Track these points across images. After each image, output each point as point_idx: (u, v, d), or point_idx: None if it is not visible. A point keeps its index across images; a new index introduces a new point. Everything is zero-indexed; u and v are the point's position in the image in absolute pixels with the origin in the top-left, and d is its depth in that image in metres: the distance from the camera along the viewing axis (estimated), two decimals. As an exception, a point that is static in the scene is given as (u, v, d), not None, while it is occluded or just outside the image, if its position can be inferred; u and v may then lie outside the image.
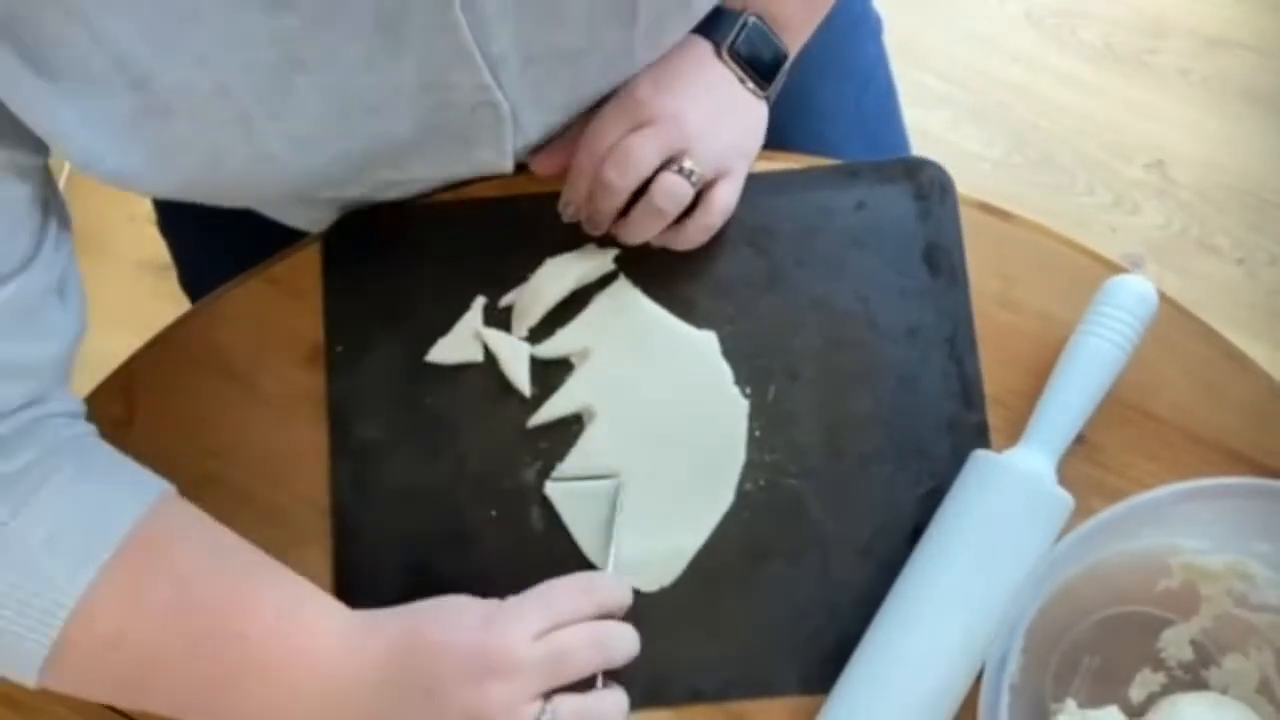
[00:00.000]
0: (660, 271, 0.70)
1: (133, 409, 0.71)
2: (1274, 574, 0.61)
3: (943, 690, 0.61)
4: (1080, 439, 0.66)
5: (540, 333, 0.70)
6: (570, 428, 0.68)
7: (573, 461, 0.68)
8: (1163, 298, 0.67)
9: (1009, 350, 0.68)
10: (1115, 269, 0.69)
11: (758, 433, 0.68)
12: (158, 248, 0.91)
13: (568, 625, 0.59)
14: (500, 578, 0.65)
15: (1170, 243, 1.48)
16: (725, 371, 0.68)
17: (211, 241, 0.82)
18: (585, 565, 0.67)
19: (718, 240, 0.70)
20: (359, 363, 0.70)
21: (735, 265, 0.70)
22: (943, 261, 0.70)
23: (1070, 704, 0.61)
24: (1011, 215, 0.71)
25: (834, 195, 0.71)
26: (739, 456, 0.67)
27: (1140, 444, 0.66)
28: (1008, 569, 0.62)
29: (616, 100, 0.66)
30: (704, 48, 0.68)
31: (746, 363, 0.69)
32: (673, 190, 0.65)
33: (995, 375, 0.68)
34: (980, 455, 0.65)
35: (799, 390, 0.68)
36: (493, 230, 0.71)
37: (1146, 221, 1.49)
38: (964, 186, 0.71)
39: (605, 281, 0.70)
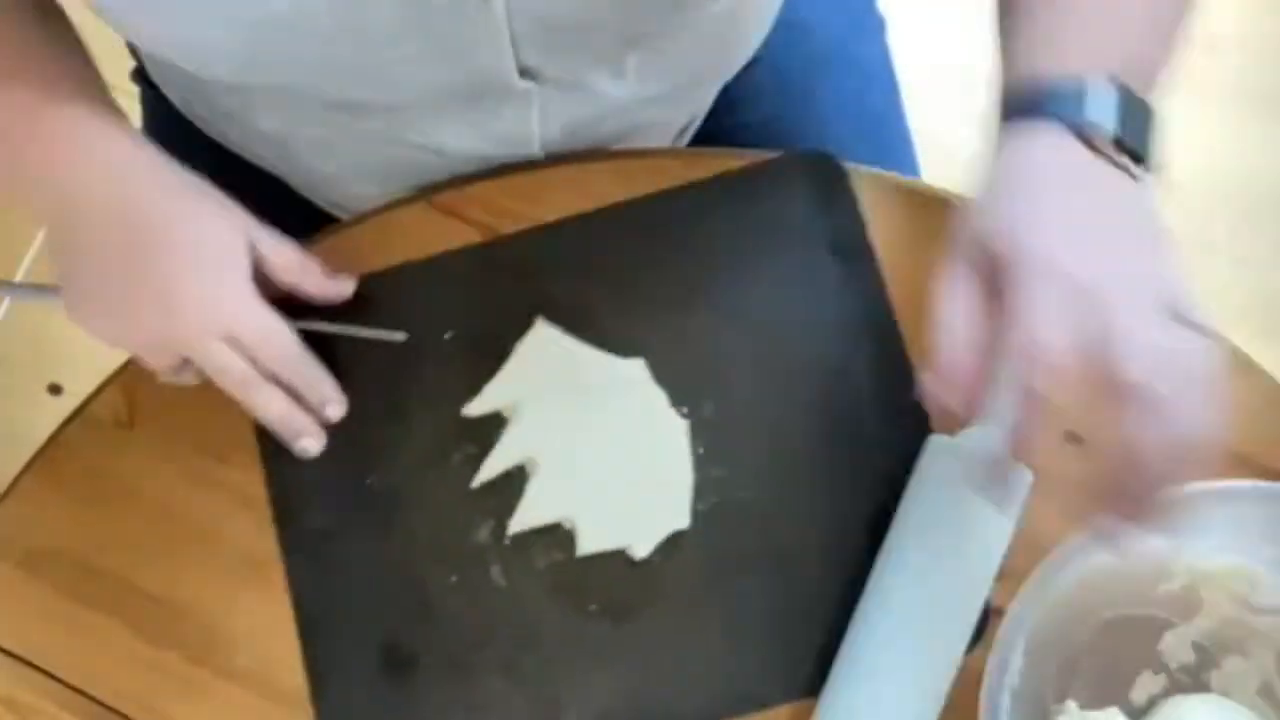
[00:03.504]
0: (576, 307, 0.69)
1: (133, 409, 0.71)
2: (1276, 576, 0.61)
3: (934, 676, 0.62)
4: (1080, 439, 0.66)
5: (465, 392, 0.69)
6: (515, 481, 0.67)
7: (523, 514, 0.67)
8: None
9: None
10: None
11: (702, 450, 0.67)
12: (158, 248, 0.91)
13: (251, 358, 0.61)
14: (472, 640, 0.65)
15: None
16: (659, 395, 0.68)
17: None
18: (553, 610, 0.66)
19: (629, 267, 0.69)
20: (295, 456, 0.68)
21: (649, 288, 0.69)
22: (850, 250, 0.69)
23: (1071, 706, 0.61)
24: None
25: (733, 203, 0.70)
26: (688, 477, 0.67)
27: (1141, 446, 0.66)
28: (975, 550, 0.62)
29: (1038, 283, 0.47)
30: (1074, 151, 0.51)
31: (679, 383, 0.68)
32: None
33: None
34: (935, 440, 0.65)
35: (735, 402, 0.68)
36: (399, 308, 0.70)
37: (1146, 222, 1.49)
38: (963, 187, 0.71)
39: (522, 329, 0.69)
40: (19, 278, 1.49)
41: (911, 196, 0.71)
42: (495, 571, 0.67)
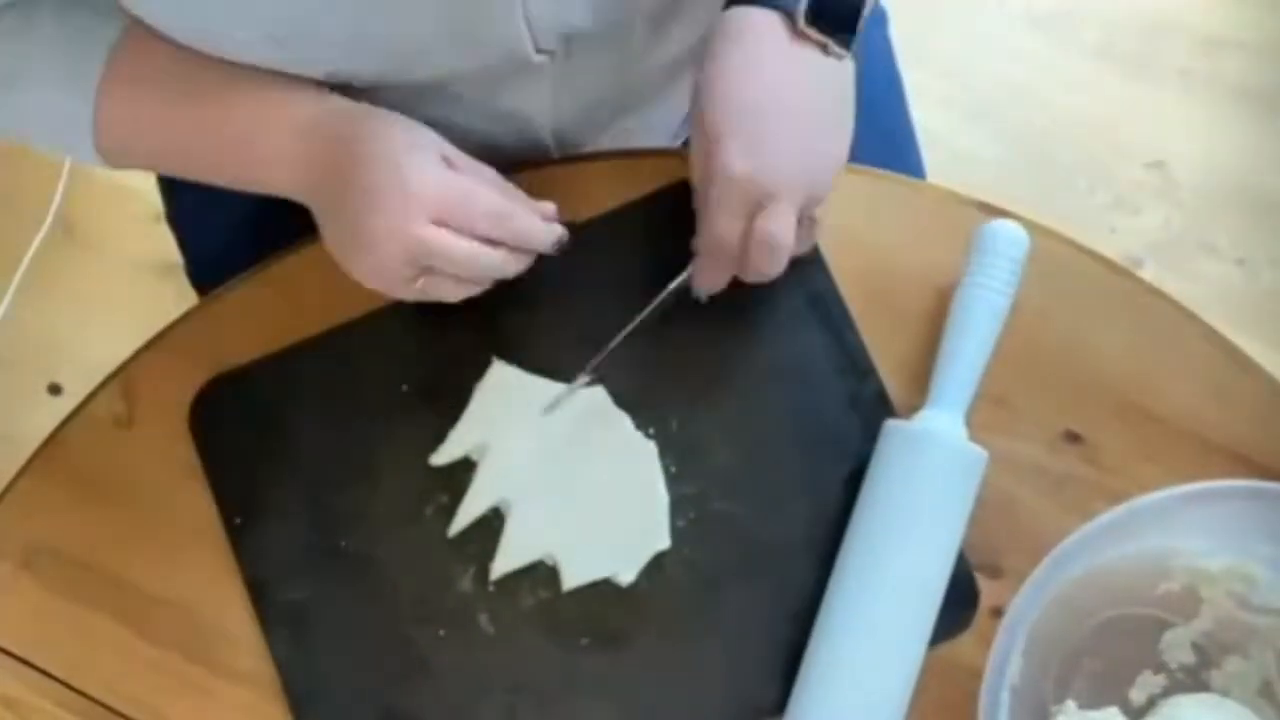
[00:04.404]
0: (531, 342, 0.69)
1: (133, 409, 0.71)
2: (1275, 576, 0.61)
3: (899, 660, 0.63)
4: (1080, 439, 0.66)
5: (430, 442, 0.68)
6: (492, 524, 0.67)
7: (504, 557, 0.67)
8: (1164, 299, 0.67)
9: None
10: (976, 210, 0.70)
11: (673, 469, 0.67)
12: (159, 247, 0.91)
13: (465, 230, 0.61)
14: (469, 692, 0.65)
15: (1170, 243, 1.47)
16: (623, 419, 0.68)
17: (222, 233, 0.82)
18: (546, 649, 0.66)
19: (577, 295, 0.69)
20: (262, 529, 0.68)
21: (596, 313, 0.69)
22: None
23: (1070, 705, 0.61)
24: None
25: (671, 215, 0.70)
26: (662, 496, 0.67)
27: (1141, 445, 0.66)
28: (933, 532, 0.63)
29: (718, 188, 0.62)
30: (774, 30, 0.62)
31: (640, 404, 0.68)
32: (805, 242, 0.65)
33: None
34: (891, 426, 0.66)
35: (699, 416, 0.68)
36: (363, 359, 0.70)
37: (1146, 221, 1.49)
38: (963, 186, 0.71)
39: (478, 371, 0.69)
40: (18, 277, 1.49)
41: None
42: (483, 619, 0.66)
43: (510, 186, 0.66)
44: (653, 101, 0.78)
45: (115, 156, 0.69)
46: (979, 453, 0.64)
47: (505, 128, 0.72)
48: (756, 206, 0.61)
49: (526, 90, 0.69)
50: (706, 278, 0.66)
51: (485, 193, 0.63)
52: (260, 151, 0.65)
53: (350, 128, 0.63)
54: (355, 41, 0.62)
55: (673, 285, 0.66)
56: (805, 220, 0.63)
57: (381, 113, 0.64)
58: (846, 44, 0.63)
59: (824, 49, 0.62)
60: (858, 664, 0.62)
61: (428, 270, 0.62)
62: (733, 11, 0.63)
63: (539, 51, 0.66)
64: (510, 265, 0.63)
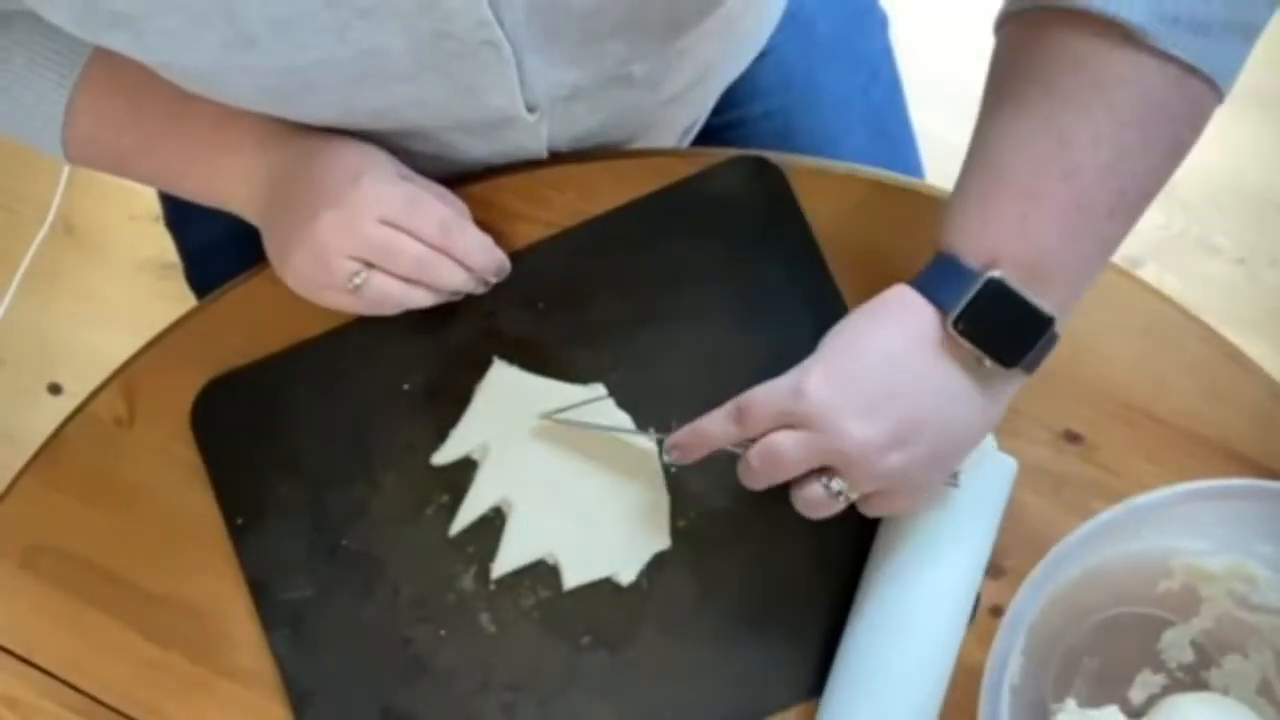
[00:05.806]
0: (531, 342, 0.69)
1: (133, 409, 0.71)
2: (1275, 575, 0.61)
3: (932, 667, 0.62)
4: (1080, 439, 0.66)
5: (432, 441, 0.69)
6: (493, 524, 0.67)
7: (505, 556, 0.67)
8: (1164, 299, 0.67)
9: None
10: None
11: (673, 469, 0.67)
12: (158, 247, 0.91)
13: (411, 233, 0.64)
14: (470, 690, 0.65)
15: (1170, 243, 1.47)
16: (624, 419, 0.68)
17: (220, 237, 0.82)
18: (547, 648, 0.66)
19: (577, 294, 0.69)
20: (264, 528, 0.68)
21: (600, 313, 0.69)
22: (790, 246, 0.69)
23: (1070, 704, 0.61)
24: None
25: (671, 215, 0.70)
26: (664, 497, 0.67)
27: (1141, 445, 0.66)
28: (965, 542, 0.63)
29: (784, 379, 0.57)
30: (921, 319, 0.56)
31: (642, 404, 0.68)
32: (812, 503, 0.58)
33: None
34: None
35: (699, 414, 0.68)
36: (363, 359, 0.70)
37: (1146, 221, 1.47)
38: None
39: (481, 370, 0.69)
40: (18, 277, 1.49)
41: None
42: (484, 619, 0.66)
43: (462, 206, 0.68)
44: (657, 125, 0.78)
45: (80, 152, 0.70)
46: (1009, 461, 0.64)
47: (499, 155, 0.72)
48: (793, 424, 0.57)
49: (520, 130, 0.69)
50: (687, 441, 0.61)
51: (435, 202, 0.65)
52: (222, 166, 0.68)
53: (310, 144, 0.66)
54: (349, 104, 0.63)
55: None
56: (833, 490, 0.58)
57: (341, 135, 0.66)
58: (1004, 362, 0.55)
59: (977, 361, 0.56)
60: (891, 677, 0.62)
61: (370, 267, 0.63)
62: (892, 287, 0.58)
63: (530, 110, 0.67)
64: (455, 276, 0.65)
